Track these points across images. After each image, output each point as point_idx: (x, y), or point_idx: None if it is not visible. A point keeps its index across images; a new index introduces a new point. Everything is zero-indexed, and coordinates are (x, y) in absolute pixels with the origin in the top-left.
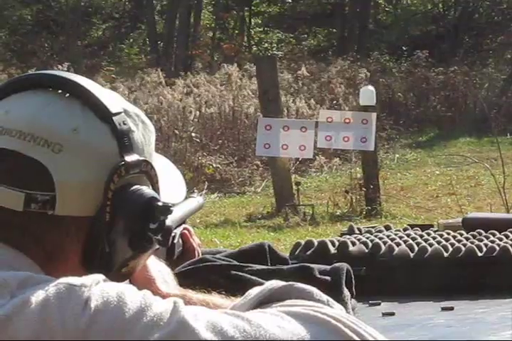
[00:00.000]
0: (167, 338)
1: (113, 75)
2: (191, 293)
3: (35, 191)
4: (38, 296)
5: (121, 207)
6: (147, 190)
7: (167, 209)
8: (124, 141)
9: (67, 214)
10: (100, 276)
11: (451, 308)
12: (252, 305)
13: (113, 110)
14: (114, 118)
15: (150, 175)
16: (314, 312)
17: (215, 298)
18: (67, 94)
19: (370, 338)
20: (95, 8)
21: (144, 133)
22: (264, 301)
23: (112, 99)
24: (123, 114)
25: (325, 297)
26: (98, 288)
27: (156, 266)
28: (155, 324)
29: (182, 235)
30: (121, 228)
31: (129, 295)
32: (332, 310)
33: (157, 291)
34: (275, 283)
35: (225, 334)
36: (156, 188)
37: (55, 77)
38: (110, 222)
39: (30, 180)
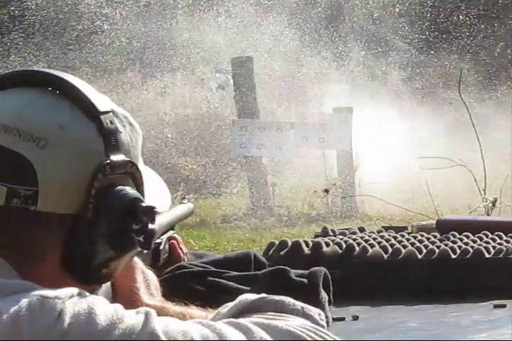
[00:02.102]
0: None
1: (88, 76)
2: (170, 305)
3: (18, 186)
4: (9, 307)
5: (104, 206)
6: (131, 190)
7: (150, 211)
8: (110, 140)
9: (50, 210)
10: (74, 289)
11: (425, 311)
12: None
13: (101, 109)
14: (101, 116)
15: (135, 177)
16: (284, 324)
17: (192, 310)
18: (57, 92)
19: None
20: (70, 8)
21: (131, 135)
22: (236, 315)
23: (101, 99)
24: (111, 113)
25: (299, 305)
26: (71, 301)
27: (141, 275)
28: (127, 336)
29: (170, 244)
30: (104, 227)
31: (101, 308)
32: (301, 322)
33: (138, 301)
34: (247, 297)
35: None
36: (140, 191)
37: (44, 74)
38: (92, 220)
39: (14, 174)
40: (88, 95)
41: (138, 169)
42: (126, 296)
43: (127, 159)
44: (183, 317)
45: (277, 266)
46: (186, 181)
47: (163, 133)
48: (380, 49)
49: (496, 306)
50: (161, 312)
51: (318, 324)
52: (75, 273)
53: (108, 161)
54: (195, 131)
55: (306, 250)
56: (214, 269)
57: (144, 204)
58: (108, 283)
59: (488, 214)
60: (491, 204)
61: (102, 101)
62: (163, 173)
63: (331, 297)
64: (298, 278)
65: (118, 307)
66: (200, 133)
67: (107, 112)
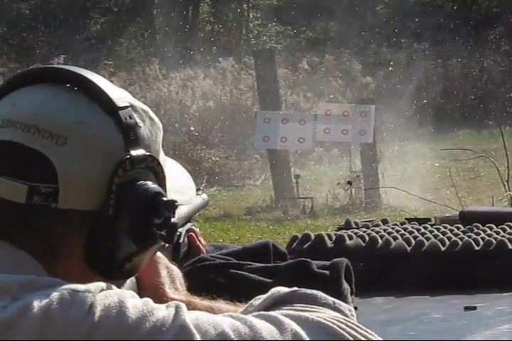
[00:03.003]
0: None
1: (111, 69)
2: (197, 300)
3: (38, 183)
4: (40, 301)
5: (126, 201)
6: (152, 185)
7: (172, 205)
8: (129, 135)
9: (71, 207)
10: (104, 284)
11: (448, 302)
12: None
13: (119, 104)
14: (120, 112)
15: (156, 171)
16: (315, 316)
17: (220, 304)
18: (75, 88)
19: (364, 339)
20: (93, 2)
21: (151, 129)
22: (268, 307)
23: (119, 94)
24: (129, 108)
25: (330, 299)
26: (101, 294)
27: (165, 271)
28: (157, 329)
29: (188, 236)
30: (125, 223)
31: (131, 302)
32: (332, 314)
33: (164, 296)
34: (279, 290)
35: (226, 337)
36: (162, 185)
37: (62, 70)
38: (114, 216)
39: (34, 172)
40: (106, 90)
41: (159, 163)
42: (151, 291)
43: (147, 153)
44: (211, 310)
45: (299, 258)
46: (210, 173)
47: (187, 125)
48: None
49: None
50: (188, 306)
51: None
52: (99, 268)
53: (128, 156)
54: (218, 123)
55: (329, 243)
56: (235, 261)
57: (165, 199)
58: (133, 279)
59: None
60: None
61: (120, 96)
62: (186, 166)
63: (353, 288)
64: (320, 270)
65: (148, 300)
66: (223, 126)
67: (126, 107)
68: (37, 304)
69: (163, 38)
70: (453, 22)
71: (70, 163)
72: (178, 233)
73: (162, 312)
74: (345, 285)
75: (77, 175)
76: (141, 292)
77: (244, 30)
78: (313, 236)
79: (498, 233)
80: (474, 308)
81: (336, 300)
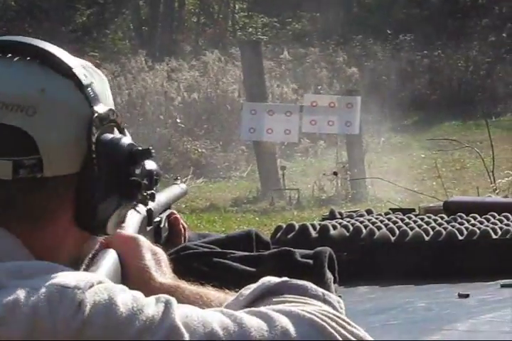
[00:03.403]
0: None
1: (97, 61)
2: (185, 284)
3: (21, 157)
4: (28, 297)
5: (106, 157)
6: (123, 137)
7: (148, 152)
8: (89, 93)
9: (56, 174)
10: (94, 277)
11: (432, 291)
12: (246, 303)
13: (73, 66)
14: (75, 72)
15: (118, 123)
16: (307, 312)
17: (208, 290)
18: (27, 58)
19: (353, 339)
20: None
21: (101, 83)
22: (259, 297)
23: (70, 57)
24: (81, 67)
25: (320, 291)
26: (91, 290)
27: (149, 253)
28: (146, 328)
29: (169, 220)
30: (110, 177)
31: (121, 298)
32: (323, 308)
33: (151, 280)
34: (269, 280)
35: (215, 336)
36: (125, 135)
37: (10, 42)
38: (98, 173)
39: (14, 146)
40: (59, 55)
41: (118, 115)
42: (137, 276)
43: (108, 108)
44: (200, 297)
45: (282, 248)
46: (196, 165)
47: (173, 117)
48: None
49: (503, 286)
50: (176, 291)
51: (337, 311)
52: (88, 226)
53: (96, 114)
54: (204, 114)
55: (314, 233)
56: (219, 250)
57: (140, 148)
58: (118, 264)
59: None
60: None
61: (71, 58)
62: (172, 158)
63: (336, 276)
64: (303, 259)
65: (138, 295)
66: (209, 117)
67: (78, 67)
68: (25, 300)
69: (149, 29)
70: (438, 13)
71: (45, 130)
72: (158, 218)
73: (151, 309)
74: (329, 275)
75: (56, 141)
76: (127, 277)
77: (231, 22)
78: (297, 226)
79: (481, 223)
80: (467, 296)
81: (326, 292)
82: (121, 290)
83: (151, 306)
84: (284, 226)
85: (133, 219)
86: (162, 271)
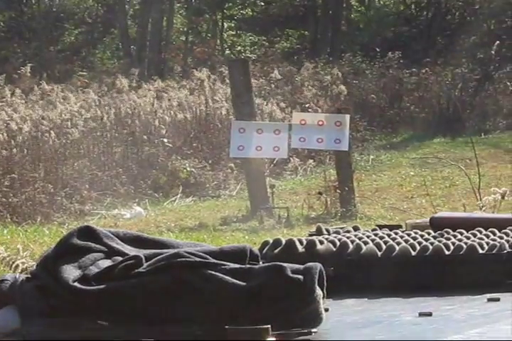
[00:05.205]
0: None
1: (86, 80)
2: None
3: None
4: None
5: None
6: None
7: None
8: None
9: None
10: None
11: (419, 305)
12: None
13: None
14: None
15: None
16: None
17: None
18: None
19: None
20: (67, 14)
21: None
22: None
23: None
24: None
25: None
26: None
27: None
28: None
29: None
30: None
31: None
32: None
33: None
34: None
35: None
36: None
37: None
38: None
39: None
40: None
41: None
42: None
43: None
44: None
45: (273, 262)
46: (185, 184)
47: (162, 136)
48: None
49: (489, 300)
50: None
51: None
52: None
53: None
54: (192, 133)
55: (300, 248)
56: (211, 260)
57: None
58: None
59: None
60: (499, 198)
61: None
62: (161, 177)
63: (325, 292)
64: (294, 275)
65: None
66: (197, 136)
67: None
68: None
69: (137, 48)
70: (427, 31)
71: None
72: None
73: None
74: (318, 291)
75: None
76: None
77: (219, 41)
78: (284, 241)
79: (468, 238)
80: (430, 314)
81: None
82: None
83: None
84: (271, 241)
85: None
86: None
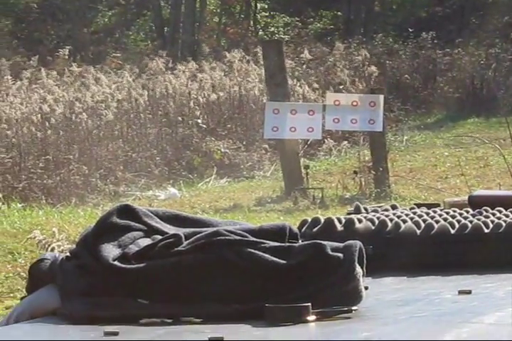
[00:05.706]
0: None
1: (119, 62)
2: None
3: None
4: None
5: None
6: None
7: None
8: None
9: None
10: None
11: (459, 283)
12: None
13: None
14: None
15: None
16: None
17: None
18: None
19: None
20: None
21: None
22: None
23: None
24: None
25: None
26: None
27: None
28: None
29: None
30: None
31: None
32: None
33: None
34: None
35: None
36: None
37: None
38: None
39: None
40: None
41: None
42: None
43: None
44: None
45: (312, 240)
46: (219, 165)
47: (196, 117)
48: None
49: None
50: None
51: None
52: None
53: None
54: (226, 114)
55: (339, 227)
56: (251, 238)
57: None
58: None
59: None
60: None
61: None
62: (196, 158)
63: (364, 270)
64: (334, 253)
65: None
66: (231, 117)
67: None
68: None
69: (170, 30)
70: (460, 11)
71: None
72: None
73: None
74: (358, 269)
75: None
76: None
77: (252, 22)
78: (322, 220)
79: (507, 216)
80: (469, 292)
81: None
82: None
83: None
84: (310, 220)
85: None
86: None
